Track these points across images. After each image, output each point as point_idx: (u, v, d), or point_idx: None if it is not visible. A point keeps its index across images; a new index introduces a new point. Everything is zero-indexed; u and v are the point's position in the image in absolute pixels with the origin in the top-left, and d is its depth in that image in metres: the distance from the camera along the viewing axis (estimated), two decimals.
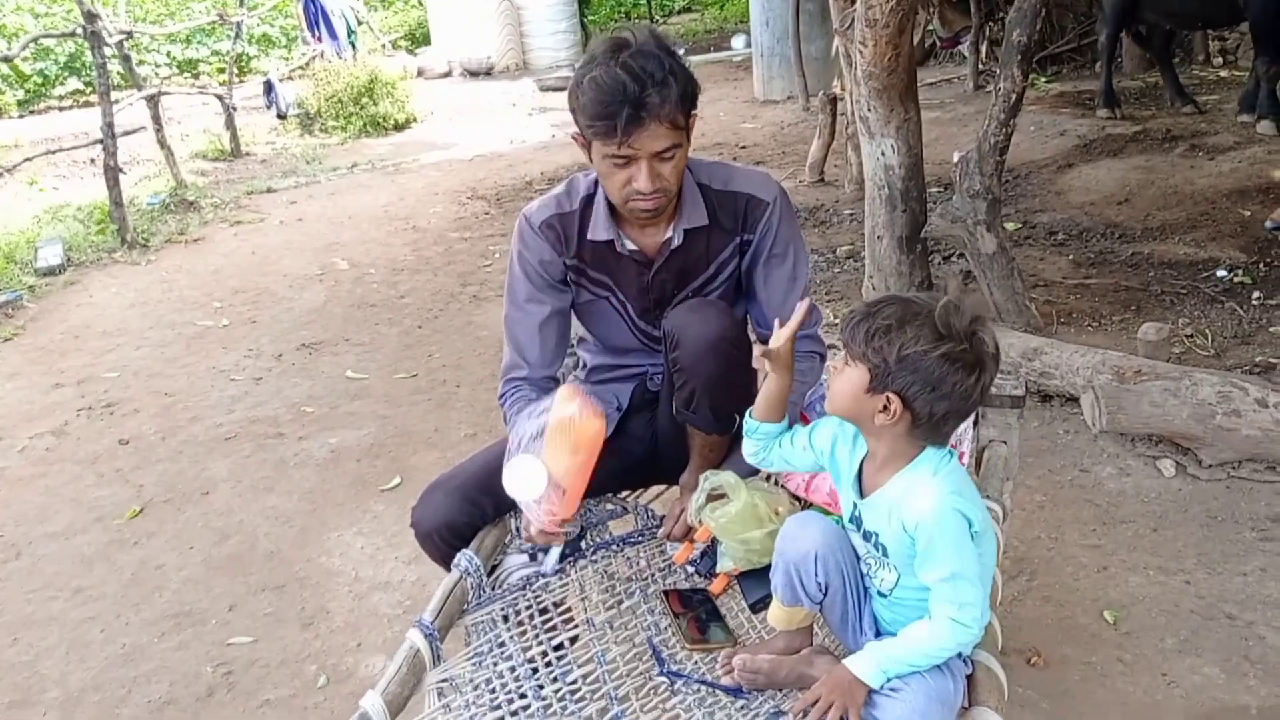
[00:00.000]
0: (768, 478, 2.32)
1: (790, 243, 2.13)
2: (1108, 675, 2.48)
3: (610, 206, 2.06)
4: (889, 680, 1.56)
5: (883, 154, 4.56)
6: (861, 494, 1.67)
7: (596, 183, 2.07)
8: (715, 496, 2.02)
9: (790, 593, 1.71)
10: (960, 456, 2.25)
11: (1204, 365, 3.79)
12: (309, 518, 3.54)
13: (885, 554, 1.62)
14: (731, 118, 10.46)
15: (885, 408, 1.53)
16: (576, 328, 2.34)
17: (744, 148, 9.09)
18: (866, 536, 1.65)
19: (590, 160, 2.00)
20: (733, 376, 2.02)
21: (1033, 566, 2.90)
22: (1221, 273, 4.82)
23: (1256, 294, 4.50)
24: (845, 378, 1.57)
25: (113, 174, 7.03)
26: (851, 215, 6.65)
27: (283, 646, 2.86)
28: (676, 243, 2.07)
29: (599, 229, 2.07)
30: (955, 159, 4.69)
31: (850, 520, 1.70)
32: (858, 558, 1.70)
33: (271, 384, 4.74)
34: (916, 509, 1.54)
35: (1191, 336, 4.18)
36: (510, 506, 2.21)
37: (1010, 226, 5.95)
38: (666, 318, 2.06)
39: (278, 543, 3.40)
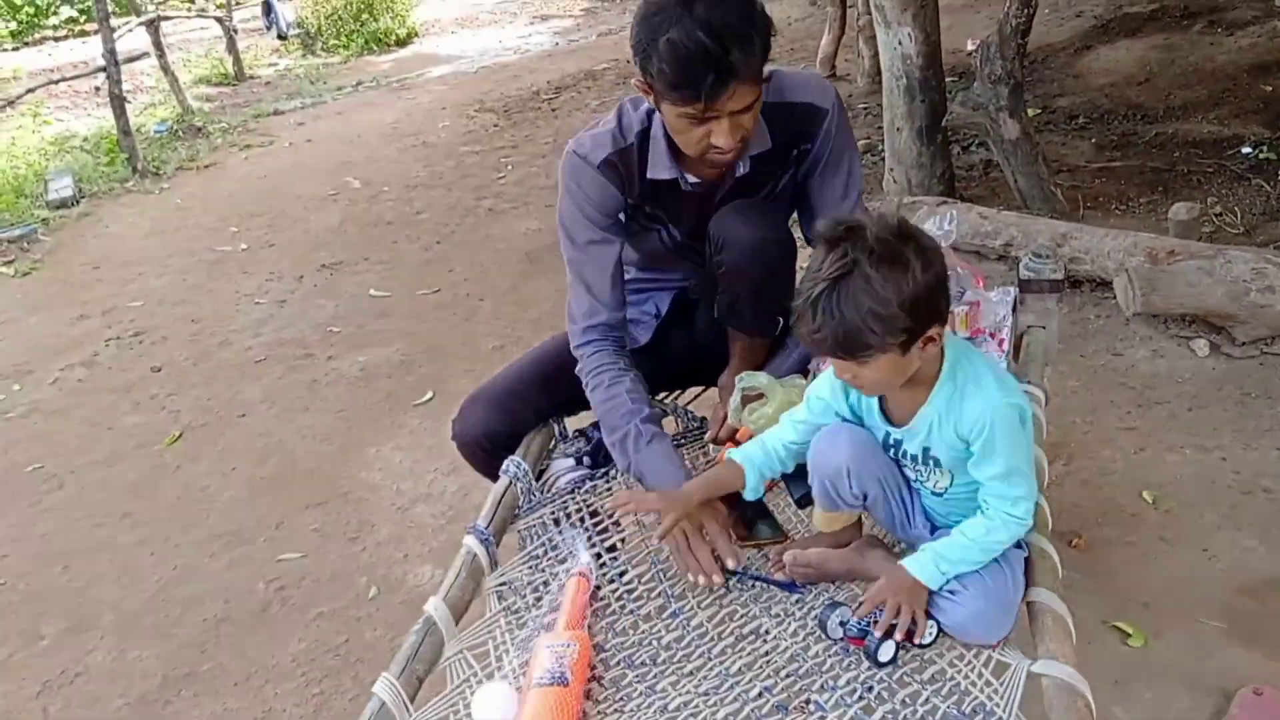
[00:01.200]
0: (805, 374, 2.32)
1: (846, 150, 2.02)
2: (1150, 553, 2.50)
3: (668, 139, 1.90)
4: (948, 580, 1.56)
5: (900, 43, 4.47)
6: (893, 423, 1.63)
7: (650, 113, 1.92)
8: (752, 397, 2.01)
9: (829, 501, 1.70)
10: (1000, 344, 2.24)
11: (1235, 243, 3.75)
12: (346, 435, 3.57)
13: (938, 464, 1.60)
14: None
15: (929, 341, 1.46)
16: None
17: None
18: (913, 458, 1.62)
19: (656, 107, 1.85)
20: (778, 279, 1.97)
21: (1069, 450, 2.91)
22: (1247, 149, 4.74)
23: None
24: (876, 369, 1.47)
25: (119, 102, 6.96)
26: (865, 109, 6.54)
27: (331, 561, 2.92)
28: (743, 170, 1.95)
29: (659, 167, 1.94)
30: (970, 46, 4.59)
31: (886, 447, 1.66)
32: (899, 464, 1.68)
33: (296, 306, 4.75)
34: (970, 416, 1.51)
35: (1221, 215, 4.13)
36: (551, 412, 2.23)
37: (1030, 113, 5.84)
38: (712, 221, 1.98)
39: (318, 461, 3.44)
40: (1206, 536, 2.53)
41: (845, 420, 1.69)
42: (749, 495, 1.77)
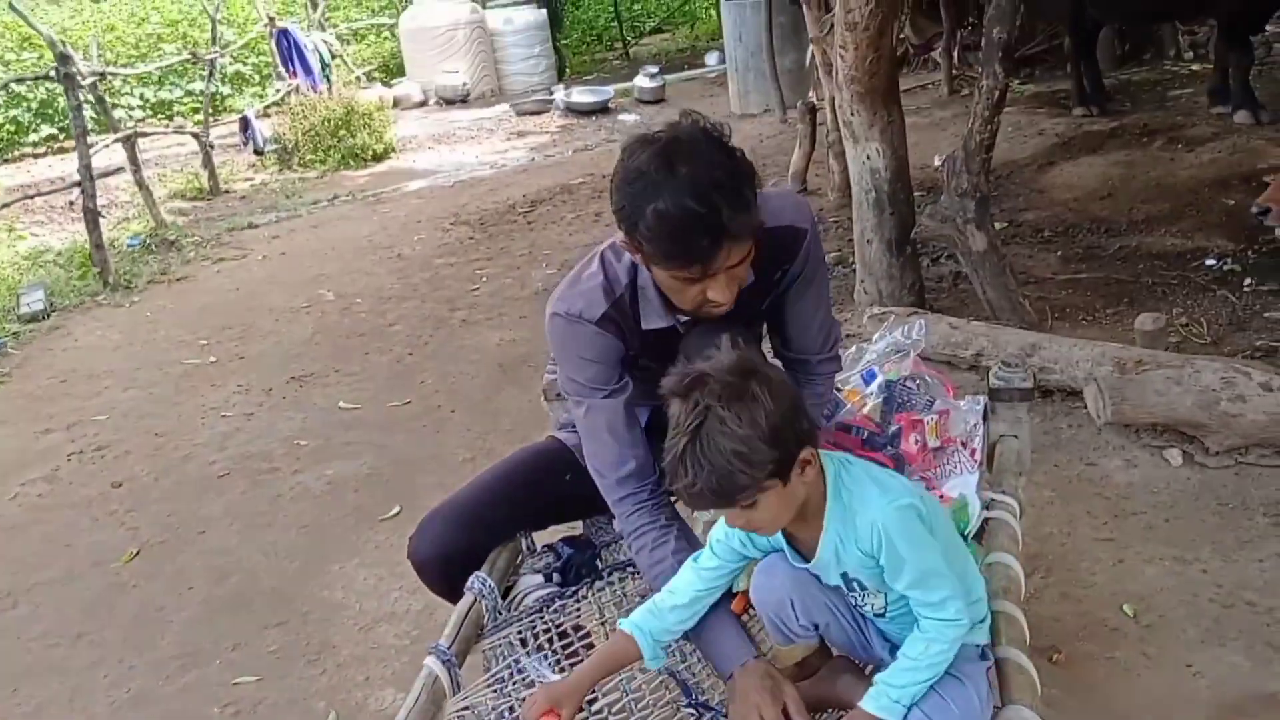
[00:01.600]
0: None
1: (820, 265, 2.01)
2: (1132, 669, 2.45)
3: (659, 290, 1.86)
4: (909, 709, 1.50)
5: (868, 158, 4.56)
6: (805, 559, 1.61)
7: (635, 266, 1.87)
8: None
9: (780, 636, 1.69)
10: (973, 453, 2.23)
11: (1202, 353, 3.78)
12: (309, 552, 3.48)
13: (864, 587, 1.58)
14: None
15: (806, 465, 1.47)
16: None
17: None
18: (837, 588, 1.61)
19: (646, 267, 1.81)
20: None
21: (1048, 562, 2.87)
22: (1211, 261, 4.83)
23: (1248, 280, 4.51)
24: (765, 507, 1.46)
25: (92, 216, 6.98)
26: (836, 222, 6.64)
27: (289, 684, 2.81)
28: (730, 306, 1.86)
29: (653, 317, 1.90)
30: (937, 162, 4.70)
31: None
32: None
33: (263, 419, 4.68)
34: (863, 531, 1.50)
35: (1187, 325, 4.18)
36: (516, 527, 2.17)
37: (996, 226, 5.95)
38: (681, 345, 1.92)
39: (279, 579, 3.34)
40: (1190, 652, 2.48)
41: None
42: (650, 664, 1.69)
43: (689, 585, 1.68)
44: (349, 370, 5.17)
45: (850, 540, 1.52)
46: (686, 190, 1.61)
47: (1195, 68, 9.03)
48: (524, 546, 2.17)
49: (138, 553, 3.61)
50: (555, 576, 2.07)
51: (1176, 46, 9.44)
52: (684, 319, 1.91)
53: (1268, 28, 8.18)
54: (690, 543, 1.88)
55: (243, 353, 5.66)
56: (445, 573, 2.06)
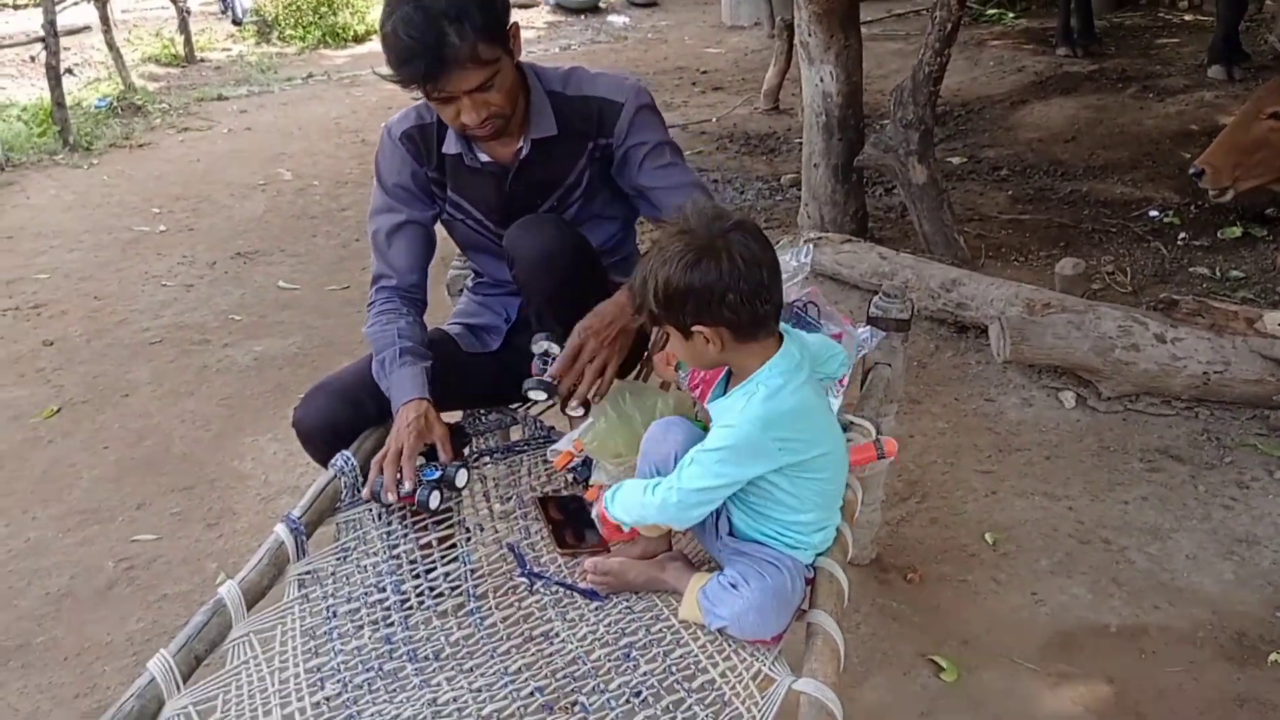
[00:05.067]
0: (662, 385, 2.37)
1: (658, 137, 2.09)
2: (980, 593, 2.56)
3: None
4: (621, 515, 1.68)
5: (821, 80, 4.56)
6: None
7: None
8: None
9: None
10: (840, 379, 2.30)
11: (1122, 302, 3.85)
12: (225, 423, 3.56)
13: None
14: (696, 42, 10.36)
15: (707, 340, 1.56)
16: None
17: (704, 73, 9.01)
18: None
19: None
20: (572, 290, 2.03)
21: (924, 490, 2.97)
22: (1153, 213, 4.87)
23: (1183, 234, 4.56)
24: (672, 342, 1.64)
25: (54, 73, 6.89)
26: (800, 144, 6.63)
27: (186, 545, 2.90)
28: (525, 152, 2.04)
29: (450, 142, 2.05)
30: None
31: None
32: None
33: (202, 291, 4.72)
34: (731, 413, 1.60)
35: (1113, 274, 4.25)
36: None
37: (956, 160, 5.97)
38: (505, 236, 2.05)
39: (192, 446, 3.42)
40: (1038, 580, 2.60)
41: None
42: None
43: None
44: (294, 251, 5.20)
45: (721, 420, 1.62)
46: (413, 13, 1.75)
47: (1188, 18, 8.96)
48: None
49: (59, 410, 3.68)
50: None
51: None
52: (483, 157, 2.04)
53: None
54: (418, 330, 2.10)
55: (193, 225, 5.67)
56: (328, 445, 2.12)
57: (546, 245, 1.99)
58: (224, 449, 3.39)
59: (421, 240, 2.17)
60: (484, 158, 2.06)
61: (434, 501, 1.90)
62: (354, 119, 7.93)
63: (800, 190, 5.58)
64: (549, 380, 1.96)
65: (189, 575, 2.77)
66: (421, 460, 2.00)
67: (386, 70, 1.85)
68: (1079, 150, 6.02)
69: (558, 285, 2.03)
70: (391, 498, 1.89)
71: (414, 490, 1.89)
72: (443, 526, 1.98)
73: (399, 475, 1.89)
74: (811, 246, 2.49)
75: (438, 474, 1.92)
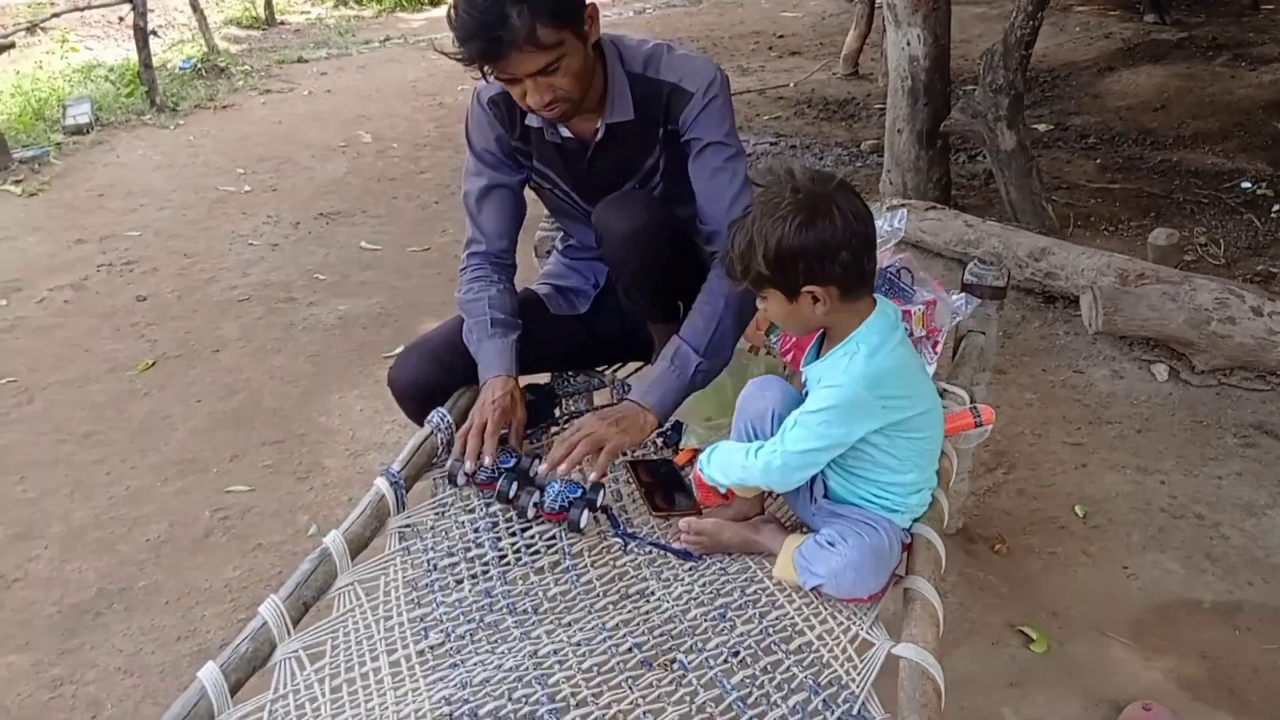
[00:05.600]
0: (750, 348, 2.37)
1: (718, 136, 1.99)
2: (1070, 565, 2.53)
3: None
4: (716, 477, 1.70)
5: (908, 44, 4.47)
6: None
7: None
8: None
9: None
10: (934, 345, 2.27)
11: (1214, 275, 3.75)
12: (312, 379, 3.63)
13: None
14: (773, 6, 10.24)
15: (815, 300, 1.55)
16: None
17: (781, 37, 8.92)
18: None
19: None
20: (658, 267, 2.03)
21: (1012, 460, 2.93)
22: (1246, 184, 4.74)
23: (1276, 207, 4.43)
24: (772, 306, 1.61)
25: (141, 34, 7.02)
26: (881, 110, 6.51)
27: (278, 496, 2.97)
28: (600, 135, 1.99)
29: (532, 116, 1.98)
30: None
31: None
32: None
33: (287, 250, 4.80)
34: (829, 376, 1.59)
35: (1205, 245, 4.14)
36: None
37: (1042, 127, 5.85)
38: (594, 213, 2.03)
39: (281, 401, 3.49)
40: (1130, 555, 2.56)
41: None
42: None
43: None
44: (375, 212, 5.26)
45: (823, 380, 1.60)
46: None
47: None
48: None
49: (153, 364, 3.77)
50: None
51: None
52: (564, 132, 2.01)
53: None
54: (509, 299, 2.10)
55: (276, 185, 5.76)
56: (420, 402, 2.16)
57: (633, 223, 1.98)
58: (312, 405, 3.46)
59: (510, 204, 2.14)
60: (564, 133, 2.02)
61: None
62: (430, 82, 7.97)
63: (881, 157, 5.51)
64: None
65: (281, 527, 2.84)
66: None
67: (449, 47, 1.80)
68: (1168, 119, 5.86)
69: (645, 262, 2.03)
70: (471, 465, 1.87)
71: (494, 472, 1.87)
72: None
73: (480, 449, 1.89)
74: (905, 212, 2.47)
75: (513, 461, 1.90)
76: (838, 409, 1.56)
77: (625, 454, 2.11)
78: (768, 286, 1.58)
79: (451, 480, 1.91)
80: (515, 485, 1.86)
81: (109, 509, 2.95)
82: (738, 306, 1.97)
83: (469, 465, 1.87)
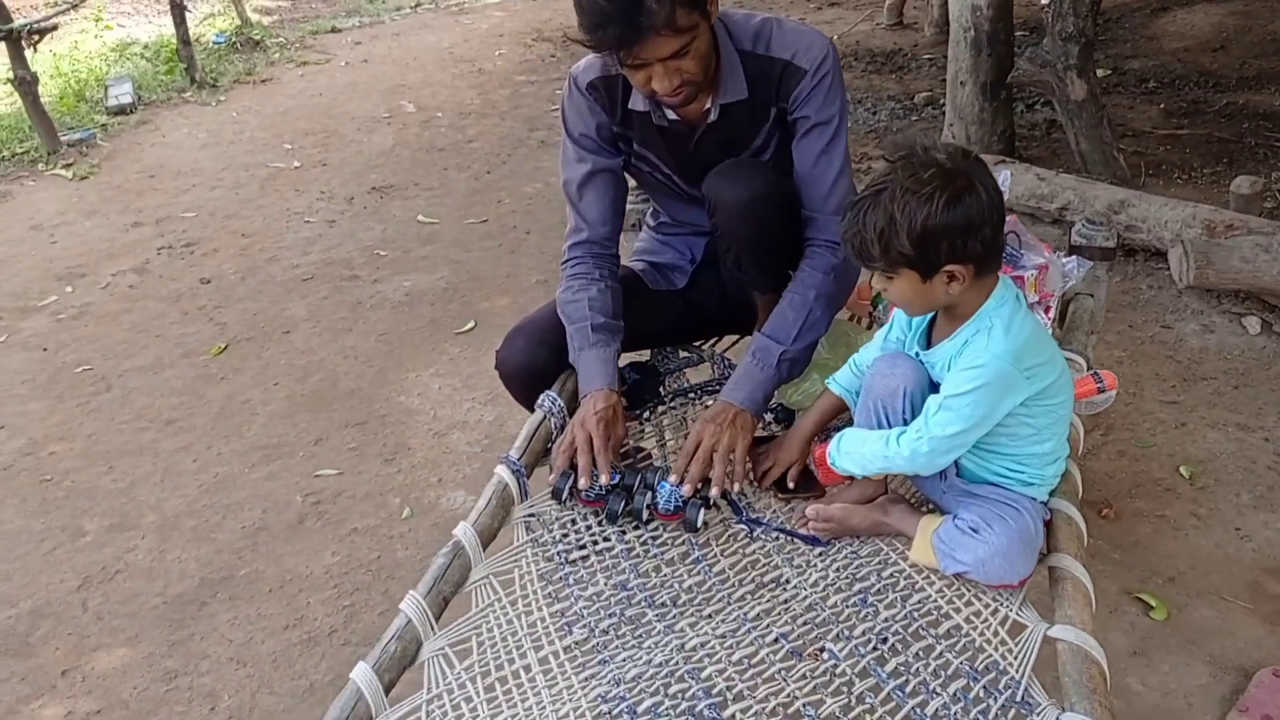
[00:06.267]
0: (851, 318, 2.33)
1: (832, 115, 1.94)
2: (1180, 528, 2.49)
3: None
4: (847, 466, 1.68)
5: None
6: (928, 346, 1.66)
7: None
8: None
9: (874, 427, 1.72)
10: (1046, 310, 2.22)
11: None
12: (386, 358, 3.61)
13: None
14: None
15: (952, 279, 1.50)
16: None
17: None
18: (935, 387, 1.65)
19: None
20: (772, 236, 1.98)
21: (1109, 421, 2.88)
22: None
23: None
24: (900, 287, 1.54)
25: (178, 10, 6.97)
26: (930, 60, 6.42)
27: (367, 479, 2.97)
28: (714, 117, 1.94)
29: (637, 99, 1.94)
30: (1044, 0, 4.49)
31: None
32: None
33: (344, 227, 4.78)
34: (968, 357, 1.54)
35: None
36: None
37: (1099, 73, 5.70)
38: (705, 181, 1.98)
39: (357, 381, 3.48)
40: (1240, 515, 2.51)
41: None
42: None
43: (865, 359, 1.80)
44: (428, 185, 5.22)
45: (958, 359, 1.57)
46: None
47: None
48: None
49: (225, 347, 3.77)
50: (622, 401, 2.14)
51: None
52: (670, 116, 1.95)
53: None
54: (610, 299, 2.04)
55: (325, 159, 5.72)
56: (529, 385, 2.13)
57: (749, 192, 1.93)
58: (389, 384, 3.44)
59: (613, 189, 2.10)
60: (671, 116, 1.96)
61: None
62: (466, 48, 7.89)
63: (936, 109, 5.41)
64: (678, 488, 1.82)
65: (374, 510, 2.84)
66: None
67: (579, 34, 1.75)
68: (1229, 59, 5.71)
69: (759, 232, 1.98)
70: (585, 482, 1.80)
71: (601, 490, 1.82)
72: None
73: (591, 465, 1.83)
74: (1009, 172, 2.40)
75: (617, 477, 1.85)
76: (987, 387, 1.52)
77: None
78: (903, 267, 1.51)
79: (556, 496, 1.85)
80: (623, 503, 1.81)
81: (200, 497, 2.96)
82: (828, 301, 1.98)
83: (583, 481, 1.81)
